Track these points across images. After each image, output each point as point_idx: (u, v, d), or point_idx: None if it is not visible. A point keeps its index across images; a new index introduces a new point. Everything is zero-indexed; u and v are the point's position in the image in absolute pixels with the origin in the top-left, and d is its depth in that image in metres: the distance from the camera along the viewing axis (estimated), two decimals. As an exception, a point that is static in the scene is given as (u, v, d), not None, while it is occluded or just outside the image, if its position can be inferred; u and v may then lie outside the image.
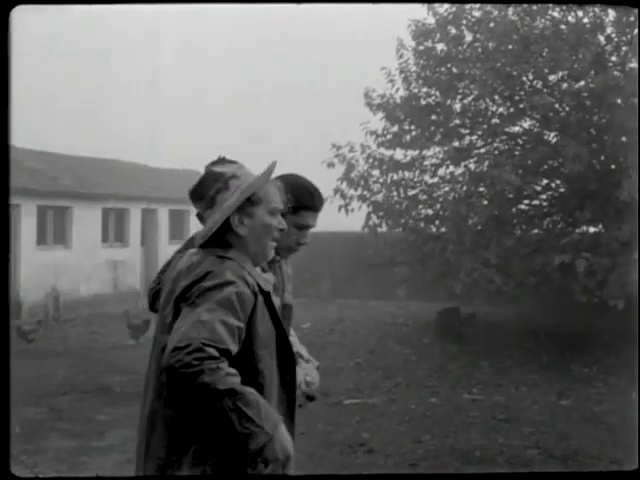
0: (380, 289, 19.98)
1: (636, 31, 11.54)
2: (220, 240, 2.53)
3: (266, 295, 2.51)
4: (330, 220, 14.59)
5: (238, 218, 2.53)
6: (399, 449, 7.11)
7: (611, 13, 12.24)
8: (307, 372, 3.08)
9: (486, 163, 12.63)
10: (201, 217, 2.60)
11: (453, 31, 13.28)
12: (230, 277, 2.38)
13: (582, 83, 11.44)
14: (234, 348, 2.30)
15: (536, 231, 13.46)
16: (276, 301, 2.59)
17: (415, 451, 7.11)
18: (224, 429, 2.24)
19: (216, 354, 2.22)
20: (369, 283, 20.18)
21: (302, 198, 3.01)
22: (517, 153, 12.67)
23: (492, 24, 12.31)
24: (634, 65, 11.71)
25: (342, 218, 14.25)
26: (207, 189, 2.55)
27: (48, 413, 8.45)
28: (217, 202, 2.53)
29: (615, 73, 11.81)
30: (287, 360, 2.57)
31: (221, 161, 2.61)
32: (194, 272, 2.43)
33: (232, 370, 2.24)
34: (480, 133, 13.21)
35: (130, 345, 12.92)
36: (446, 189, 14.10)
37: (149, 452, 2.46)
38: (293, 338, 3.23)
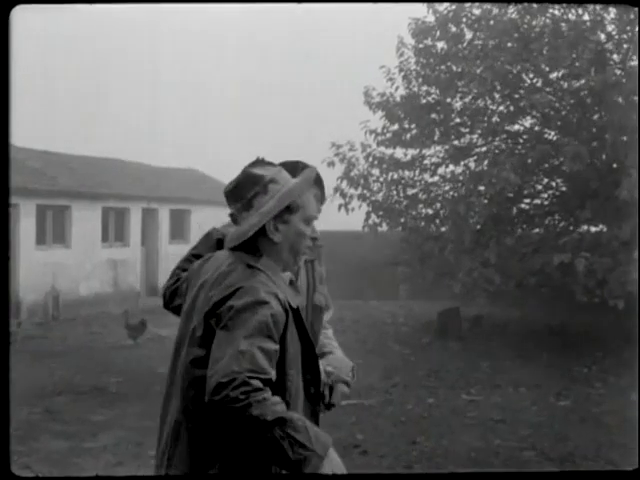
0: (382, 289, 19.89)
1: (637, 28, 11.45)
2: (251, 244, 2.49)
3: (295, 310, 2.47)
4: (330, 219, 14.65)
5: (274, 224, 2.49)
6: (393, 450, 7.05)
7: (612, 10, 12.14)
8: (329, 362, 3.06)
9: (486, 162, 12.54)
10: (235, 218, 2.57)
11: (453, 29, 13.21)
12: (263, 296, 2.34)
13: (582, 81, 11.33)
14: (274, 374, 2.29)
15: (537, 230, 13.40)
16: (300, 302, 2.57)
17: (409, 452, 7.04)
18: (277, 457, 2.24)
19: (260, 385, 2.21)
20: (371, 283, 20.09)
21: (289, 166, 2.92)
22: (517, 152, 12.58)
23: (492, 22, 12.23)
24: (635, 63, 11.62)
25: (342, 217, 14.21)
26: (245, 191, 2.53)
27: (42, 414, 8.40)
28: (254, 206, 2.50)
29: (616, 71, 11.73)
30: (313, 373, 2.55)
31: (260, 163, 2.59)
32: (223, 283, 2.40)
33: (277, 399, 2.23)
34: (480, 132, 13.13)
35: (128, 345, 12.87)
36: (446, 188, 14.05)
37: (171, 463, 2.45)
38: (327, 339, 3.23)
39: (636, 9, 10.51)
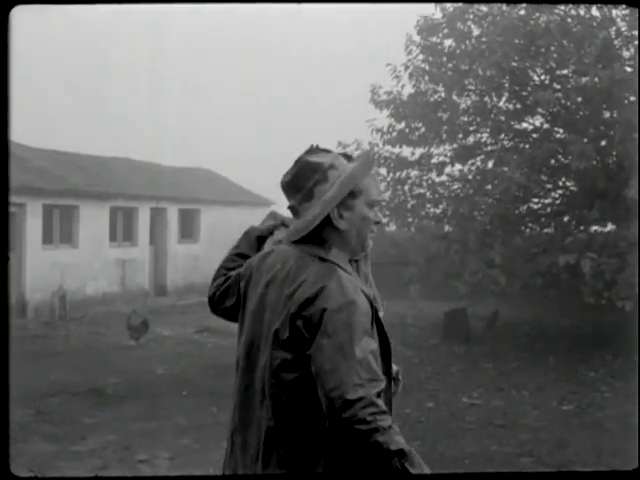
0: (392, 289, 19.63)
1: (638, 28, 11.20)
2: (315, 235, 2.40)
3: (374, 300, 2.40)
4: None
5: (338, 212, 2.39)
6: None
7: (622, 6, 11.89)
8: None
9: (491, 161, 12.32)
10: (295, 210, 2.48)
11: (460, 26, 13.00)
12: (353, 295, 2.27)
13: (588, 78, 11.08)
14: (382, 375, 2.25)
15: (546, 230, 13.16)
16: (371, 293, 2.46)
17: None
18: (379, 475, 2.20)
19: (385, 408, 2.18)
20: (381, 282, 19.77)
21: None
22: (523, 150, 12.34)
23: (498, 17, 12.00)
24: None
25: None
26: (304, 181, 2.43)
27: (34, 415, 8.29)
28: (315, 195, 2.41)
29: (627, 68, 11.48)
30: (386, 361, 2.44)
31: (315, 150, 2.49)
32: (299, 279, 2.32)
33: (398, 429, 2.19)
34: (486, 130, 12.90)
35: (130, 346, 12.76)
36: (453, 187, 13.85)
37: (269, 469, 2.35)
38: None
39: (636, 9, 10.26)
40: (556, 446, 7.22)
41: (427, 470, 2.22)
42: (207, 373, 10.42)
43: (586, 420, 8.21)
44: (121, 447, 7.13)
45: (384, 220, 14.03)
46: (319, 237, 2.41)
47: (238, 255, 2.81)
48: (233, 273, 2.70)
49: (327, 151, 2.51)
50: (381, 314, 3.28)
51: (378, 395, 2.20)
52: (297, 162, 2.49)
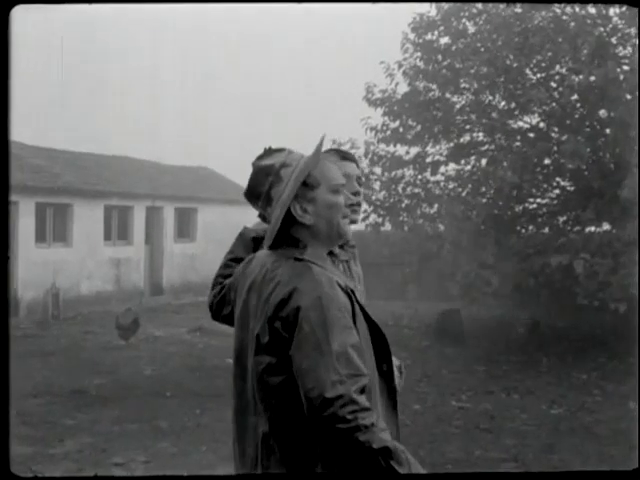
0: (389, 289, 19.53)
1: (638, 27, 11.04)
2: (289, 237, 2.34)
3: (353, 292, 2.32)
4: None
5: (300, 207, 2.32)
6: (367, 461, 6.72)
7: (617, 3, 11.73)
8: None
9: (484, 160, 12.18)
10: (264, 217, 2.45)
11: (455, 24, 12.85)
12: (327, 289, 2.21)
13: (581, 76, 10.92)
14: (364, 368, 2.18)
15: (540, 231, 13.00)
16: (354, 286, 2.41)
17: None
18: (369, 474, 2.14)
19: (367, 405, 2.11)
20: (379, 282, 19.71)
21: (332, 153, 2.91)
22: (516, 150, 12.18)
23: (493, 14, 11.85)
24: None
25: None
26: (260, 186, 2.40)
27: (14, 417, 8.14)
28: (274, 197, 2.36)
29: (624, 67, 11.33)
30: (383, 349, 2.39)
31: (267, 153, 2.45)
32: (275, 281, 2.26)
33: (383, 425, 2.14)
34: (480, 129, 12.75)
35: (120, 346, 12.63)
36: (450, 186, 13.70)
37: (269, 472, 2.32)
38: None
39: (636, 10, 10.10)
40: (541, 451, 7.08)
41: (420, 468, 2.17)
42: (194, 374, 10.29)
43: (575, 424, 8.06)
44: (98, 450, 7.01)
45: (378, 219, 13.92)
46: (292, 237, 2.34)
47: (233, 260, 2.78)
48: (228, 281, 2.67)
49: (280, 150, 2.46)
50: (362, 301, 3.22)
51: (362, 391, 2.14)
52: (252, 169, 2.44)
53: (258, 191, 2.40)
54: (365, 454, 2.07)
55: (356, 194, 2.91)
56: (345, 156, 3.00)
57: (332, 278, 2.26)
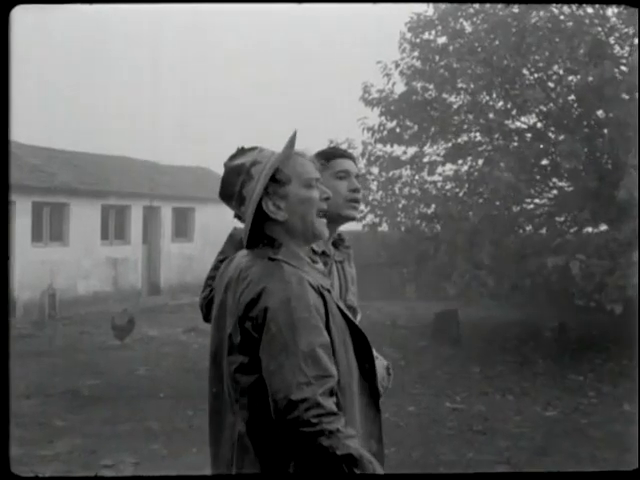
0: (388, 289, 19.48)
1: (638, 27, 10.98)
2: (266, 236, 2.32)
3: (328, 291, 2.31)
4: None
5: (272, 204, 2.30)
6: (358, 463, 6.67)
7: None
8: None
9: (481, 161, 12.12)
10: (239, 217, 2.41)
11: (452, 23, 12.80)
12: (296, 288, 2.19)
13: (578, 76, 10.87)
14: (335, 370, 2.17)
15: (541, 231, 12.94)
16: (329, 284, 2.40)
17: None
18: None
19: (334, 409, 2.09)
20: (377, 283, 19.66)
21: (324, 152, 2.90)
22: (513, 150, 12.11)
23: (491, 13, 11.79)
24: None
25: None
26: (232, 186, 2.36)
27: (6, 418, 8.12)
28: (246, 196, 2.32)
29: (622, 67, 11.27)
30: (363, 348, 2.37)
31: (239, 152, 2.41)
32: (246, 281, 2.24)
33: (350, 431, 2.11)
34: (477, 129, 12.69)
35: (114, 346, 12.59)
36: (447, 187, 13.65)
37: (242, 473, 2.30)
38: None
39: (636, 10, 10.05)
40: (534, 454, 7.03)
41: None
42: (188, 375, 10.24)
43: (569, 427, 8.00)
44: (87, 451, 6.97)
45: (376, 220, 13.87)
46: (267, 236, 2.32)
47: (223, 261, 2.71)
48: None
49: (252, 149, 2.41)
50: (358, 317, 3.17)
51: (331, 393, 2.12)
52: (224, 169, 2.41)
53: (230, 191, 2.37)
54: (328, 459, 2.05)
55: (355, 191, 2.89)
56: (343, 154, 2.99)
57: (303, 278, 2.23)
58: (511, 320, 14.47)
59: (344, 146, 13.87)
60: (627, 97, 10.89)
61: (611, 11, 11.82)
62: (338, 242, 3.03)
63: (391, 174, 13.78)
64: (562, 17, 11.47)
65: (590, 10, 11.62)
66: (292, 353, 2.11)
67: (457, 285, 11.34)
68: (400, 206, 13.67)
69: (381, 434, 2.44)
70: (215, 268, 2.75)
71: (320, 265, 2.48)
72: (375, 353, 2.93)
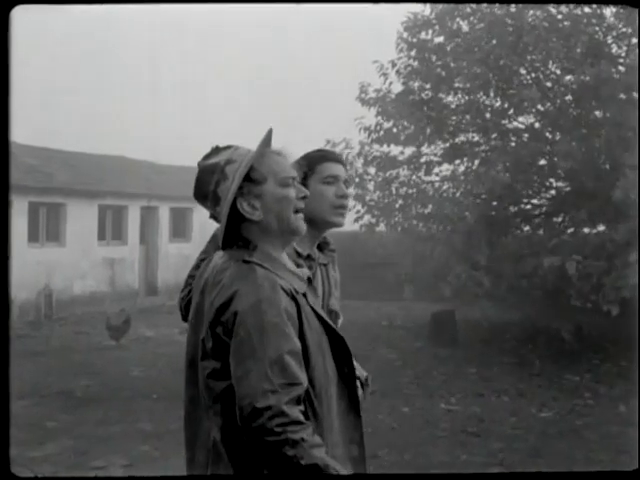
0: (386, 289, 19.41)
1: (638, 26, 10.93)
2: (239, 236, 2.28)
3: (304, 296, 2.26)
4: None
5: (247, 204, 2.25)
6: (350, 465, 6.62)
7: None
8: None
9: (477, 161, 12.07)
10: (215, 218, 2.35)
11: (449, 23, 12.76)
12: (267, 292, 2.13)
13: (574, 76, 10.82)
14: (305, 377, 2.12)
15: (538, 232, 12.89)
16: (315, 299, 2.37)
17: (367, 467, 6.61)
18: None
19: (299, 418, 2.05)
20: (374, 283, 19.62)
21: (313, 155, 2.80)
22: (509, 150, 12.06)
23: (487, 13, 11.75)
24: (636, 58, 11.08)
25: (350, 217, 13.84)
26: (206, 185, 2.30)
27: (-3, 419, 8.07)
28: (221, 196, 2.27)
29: (620, 67, 11.23)
30: (342, 352, 2.32)
31: (214, 151, 2.36)
32: (219, 285, 2.20)
33: (317, 440, 2.06)
34: (474, 129, 12.64)
35: (110, 346, 12.55)
36: (444, 187, 13.62)
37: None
38: None
39: (636, 10, 10.00)
40: (528, 456, 6.99)
41: None
42: (182, 376, 10.16)
43: (564, 428, 7.95)
44: (78, 453, 6.93)
45: (372, 220, 13.83)
46: (243, 237, 2.28)
47: (204, 261, 2.66)
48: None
49: (227, 148, 2.37)
50: (339, 321, 3.12)
51: (298, 401, 2.08)
52: (198, 168, 2.36)
53: (205, 191, 2.31)
54: (292, 469, 2.01)
55: (343, 197, 2.79)
56: (332, 158, 2.87)
57: (276, 281, 2.18)
58: (508, 321, 14.39)
59: (341, 146, 13.87)
60: (624, 97, 10.85)
61: (609, 11, 11.79)
62: (323, 245, 2.96)
63: (388, 174, 13.75)
64: (560, 17, 11.42)
65: (587, 9, 11.58)
66: (259, 359, 2.06)
67: (453, 286, 11.30)
68: (397, 206, 13.64)
69: (362, 439, 2.39)
70: (196, 267, 2.70)
71: (305, 269, 2.44)
72: (355, 364, 2.91)
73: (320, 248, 2.95)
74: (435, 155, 13.55)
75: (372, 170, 13.92)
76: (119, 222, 19.20)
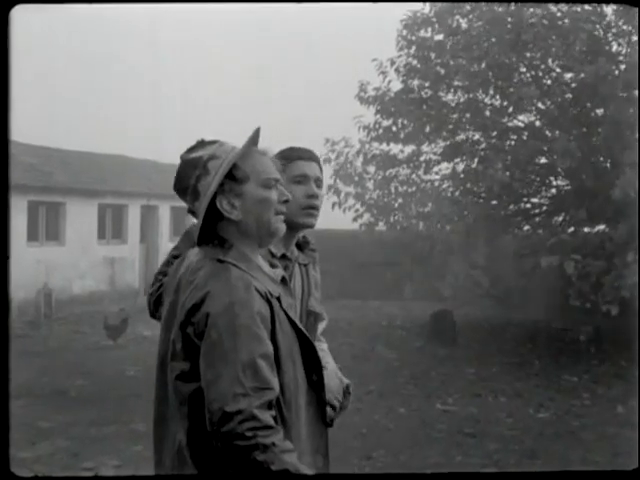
0: (386, 289, 19.31)
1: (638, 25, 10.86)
2: (215, 234, 2.23)
3: (278, 300, 2.21)
4: (337, 218, 14.20)
5: (227, 202, 2.19)
6: (343, 466, 6.56)
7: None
8: None
9: (476, 159, 11.99)
10: (193, 212, 2.29)
11: (449, 21, 12.69)
12: (241, 294, 2.08)
13: (573, 74, 10.74)
14: (276, 382, 2.08)
15: (538, 231, 12.81)
16: (290, 301, 2.32)
17: (362, 468, 6.58)
18: None
19: (270, 422, 2.01)
20: (375, 282, 19.52)
21: (286, 152, 2.71)
22: (508, 148, 11.98)
23: (485, 10, 11.67)
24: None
25: (338, 214, 13.79)
26: (187, 179, 2.24)
27: (-10, 419, 8.03)
28: (201, 191, 2.21)
29: (621, 65, 11.15)
30: (311, 359, 2.28)
31: (199, 145, 2.30)
32: (193, 283, 2.15)
33: (288, 445, 2.03)
34: (472, 127, 12.56)
35: (107, 346, 12.50)
36: (444, 186, 13.54)
37: None
38: (320, 353, 2.79)
39: (636, 10, 9.92)
40: (524, 457, 6.92)
41: None
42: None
43: (560, 429, 7.88)
44: (70, 453, 6.87)
45: (372, 219, 13.77)
46: (219, 236, 2.22)
47: (176, 257, 2.60)
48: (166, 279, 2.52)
49: (212, 142, 2.31)
50: (323, 324, 3.05)
51: (269, 405, 2.03)
52: (180, 161, 2.30)
53: (185, 185, 2.25)
54: (263, 474, 1.96)
55: (312, 197, 2.71)
56: (302, 156, 2.77)
57: (250, 282, 2.13)
58: (509, 320, 14.32)
59: (341, 144, 13.82)
60: (624, 95, 10.76)
61: (610, 8, 11.71)
62: (303, 245, 2.89)
63: (387, 173, 13.69)
64: (559, 14, 11.34)
65: (587, 7, 11.50)
66: (231, 362, 2.02)
67: (451, 285, 11.23)
68: (396, 205, 13.57)
69: (327, 449, 2.35)
70: (167, 263, 2.65)
71: (279, 270, 2.38)
72: (331, 369, 2.81)
73: (300, 248, 2.89)
74: (435, 154, 13.49)
75: (372, 169, 13.86)
76: (119, 221, 19.17)
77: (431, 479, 3.92)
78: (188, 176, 2.24)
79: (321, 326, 3.00)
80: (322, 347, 2.93)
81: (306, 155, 2.78)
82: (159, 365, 2.30)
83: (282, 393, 2.14)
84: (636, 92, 10.50)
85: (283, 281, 2.34)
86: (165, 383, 2.25)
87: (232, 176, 2.20)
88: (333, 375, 2.77)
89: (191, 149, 2.30)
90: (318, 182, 2.78)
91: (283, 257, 2.70)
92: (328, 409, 2.68)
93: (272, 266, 2.36)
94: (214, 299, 2.08)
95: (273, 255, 2.57)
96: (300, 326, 2.28)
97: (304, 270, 2.84)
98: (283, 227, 2.29)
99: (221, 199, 2.19)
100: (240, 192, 2.21)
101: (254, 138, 2.27)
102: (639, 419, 6.90)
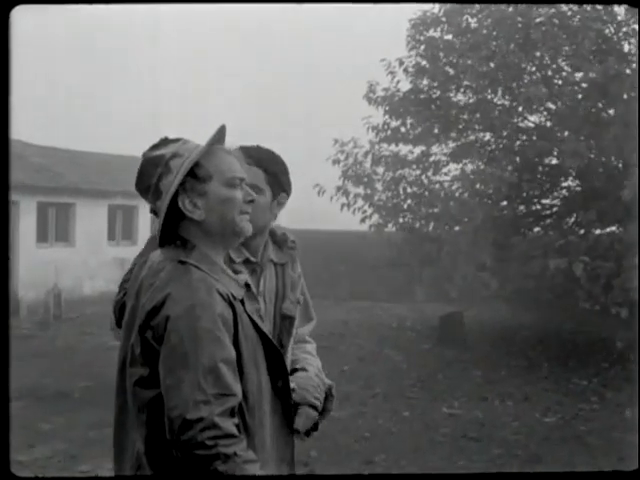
0: (397, 290, 19.23)
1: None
2: (177, 235, 2.17)
3: (241, 302, 2.15)
4: (346, 220, 14.11)
5: (189, 201, 2.13)
6: (343, 470, 6.49)
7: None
8: (295, 381, 2.59)
9: (484, 160, 11.87)
10: (155, 212, 2.23)
11: (458, 20, 12.57)
12: (202, 296, 2.02)
13: (582, 73, 10.60)
14: (239, 388, 2.01)
15: (549, 232, 12.67)
16: (256, 306, 2.26)
17: (362, 473, 6.48)
18: None
19: (232, 431, 1.94)
20: (386, 284, 19.43)
21: (281, 177, 2.63)
22: (517, 149, 11.85)
23: (494, 9, 11.55)
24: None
25: (347, 215, 13.72)
26: (149, 178, 2.20)
27: (-9, 421, 7.99)
28: (163, 190, 2.15)
29: (632, 64, 11.00)
30: (277, 365, 2.21)
31: (162, 143, 2.25)
32: (153, 285, 2.09)
33: (250, 455, 1.96)
34: (481, 128, 12.44)
35: (115, 347, 12.29)
36: (453, 187, 13.42)
37: None
38: (304, 354, 2.81)
39: (636, 10, 9.78)
40: (528, 462, 6.81)
41: None
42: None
43: (567, 434, 7.76)
44: (67, 456, 6.82)
45: (381, 220, 13.66)
46: (181, 237, 2.16)
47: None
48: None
49: (176, 140, 2.24)
50: (311, 325, 2.95)
51: (231, 413, 1.97)
52: (141, 159, 2.27)
53: (147, 183, 2.20)
54: None
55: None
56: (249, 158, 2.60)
57: (212, 285, 2.06)
58: (519, 323, 14.18)
59: (350, 145, 13.73)
60: (634, 95, 10.61)
61: (622, 8, 11.56)
62: (281, 243, 2.77)
63: (397, 174, 13.57)
64: (569, 13, 11.21)
65: (598, 6, 11.36)
66: (192, 367, 1.95)
67: (459, 287, 11.12)
68: (405, 206, 13.46)
69: (293, 458, 2.26)
70: (131, 271, 2.55)
71: (243, 275, 2.29)
72: (314, 371, 2.73)
73: (279, 245, 2.79)
74: (444, 155, 13.36)
75: (380, 169, 13.75)
76: (129, 222, 19.18)
77: (430, 479, 3.86)
78: (150, 175, 2.19)
79: (309, 327, 2.92)
80: (307, 348, 2.86)
81: (252, 158, 2.62)
82: (119, 371, 2.24)
83: (245, 399, 2.06)
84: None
85: (247, 287, 2.25)
86: (124, 390, 2.19)
87: (194, 175, 2.14)
88: (312, 376, 2.70)
89: (154, 147, 2.24)
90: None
91: (247, 261, 2.60)
92: (310, 410, 2.61)
93: (234, 272, 2.28)
94: (174, 301, 2.01)
95: (232, 261, 2.47)
96: (265, 330, 2.20)
97: (280, 270, 2.73)
98: (249, 227, 2.21)
99: (183, 198, 2.13)
100: (203, 191, 2.14)
101: (218, 135, 2.20)
102: (639, 419, 6.80)
